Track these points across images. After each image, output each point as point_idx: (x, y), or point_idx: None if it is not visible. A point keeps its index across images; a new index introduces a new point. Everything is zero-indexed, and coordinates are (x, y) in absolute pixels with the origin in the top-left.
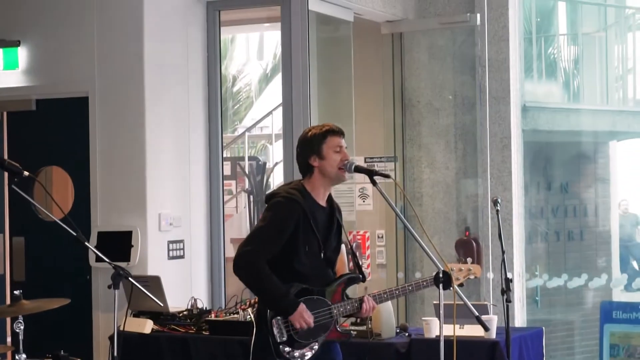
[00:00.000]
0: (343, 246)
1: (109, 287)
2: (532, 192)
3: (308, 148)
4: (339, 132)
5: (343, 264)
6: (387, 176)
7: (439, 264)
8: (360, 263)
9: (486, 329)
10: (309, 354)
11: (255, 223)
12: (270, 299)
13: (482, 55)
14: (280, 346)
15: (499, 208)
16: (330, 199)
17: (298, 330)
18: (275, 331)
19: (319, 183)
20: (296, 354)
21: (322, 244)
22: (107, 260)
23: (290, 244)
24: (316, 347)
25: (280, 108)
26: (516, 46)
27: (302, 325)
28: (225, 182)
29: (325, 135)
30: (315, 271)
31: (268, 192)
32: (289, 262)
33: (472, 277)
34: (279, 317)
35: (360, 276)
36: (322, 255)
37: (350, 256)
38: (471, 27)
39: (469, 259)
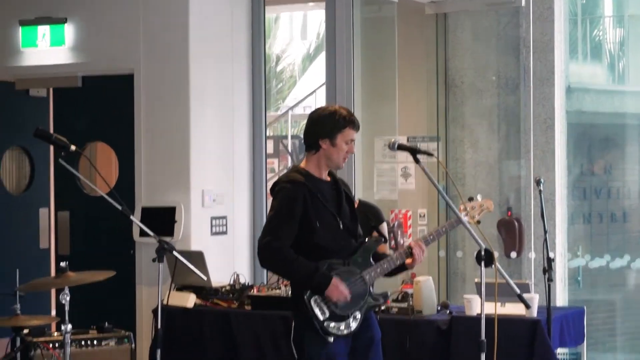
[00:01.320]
0: (384, 224)
1: (154, 260)
2: (575, 173)
3: (323, 129)
4: (357, 127)
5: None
6: (430, 154)
7: (481, 242)
8: (402, 242)
9: (528, 306)
10: (354, 324)
11: None
12: (303, 279)
13: (527, 36)
14: (325, 323)
15: (541, 188)
16: (331, 174)
17: (337, 304)
18: (317, 310)
19: (321, 163)
20: (342, 326)
21: (337, 214)
22: (151, 233)
23: (305, 223)
24: (359, 315)
25: (324, 87)
26: (561, 27)
27: (340, 298)
28: (268, 160)
29: (345, 126)
30: (338, 244)
31: (272, 183)
32: (309, 240)
33: (486, 211)
34: (316, 296)
35: (383, 238)
36: (340, 225)
37: (391, 235)
38: (516, 8)
39: (478, 195)
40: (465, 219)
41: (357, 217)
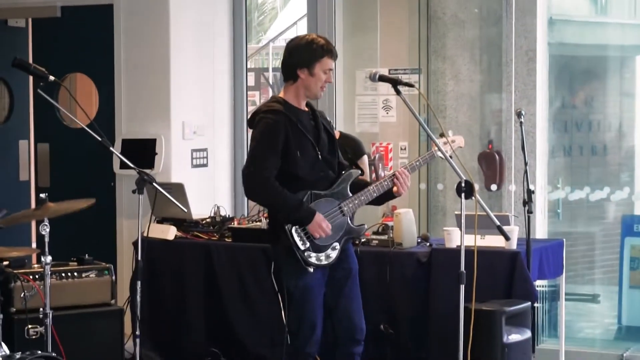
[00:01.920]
0: (365, 157)
1: (134, 192)
2: (557, 105)
3: (301, 58)
4: (335, 56)
5: (366, 175)
6: (411, 85)
7: (462, 175)
8: (383, 174)
9: (507, 238)
10: (333, 254)
11: None
12: (287, 211)
13: None
14: (305, 253)
15: (522, 120)
16: (309, 104)
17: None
18: (297, 240)
19: (300, 92)
20: (322, 257)
21: (316, 143)
22: (131, 165)
23: (285, 152)
24: (338, 246)
25: (305, 19)
26: None
27: (320, 234)
28: (249, 92)
29: (323, 55)
30: (316, 174)
31: (249, 114)
32: (288, 170)
33: (457, 147)
34: (296, 227)
35: (360, 171)
36: (319, 156)
37: (372, 167)
38: None
39: (450, 131)
40: (447, 150)
41: (336, 149)
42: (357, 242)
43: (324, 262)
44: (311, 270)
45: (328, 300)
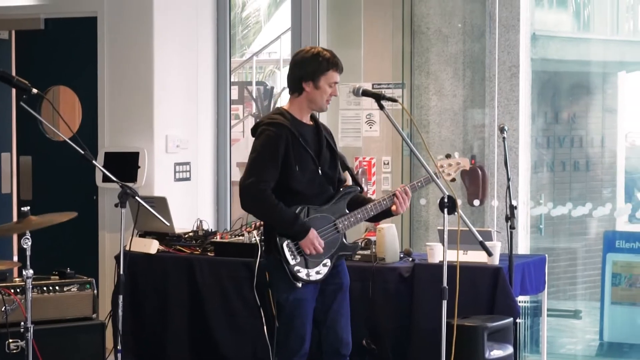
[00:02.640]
0: (347, 172)
1: (116, 205)
2: (540, 121)
3: (306, 71)
4: (341, 69)
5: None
6: (394, 100)
7: (444, 190)
8: (366, 189)
9: (489, 254)
10: (323, 270)
11: None
12: (281, 226)
13: None
14: (295, 268)
15: (505, 135)
16: (314, 117)
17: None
18: (288, 255)
19: (303, 105)
20: (311, 272)
21: (317, 158)
22: (114, 178)
23: (284, 165)
24: (329, 263)
25: (289, 33)
26: None
27: (312, 252)
28: (232, 106)
29: (329, 68)
30: (315, 189)
31: (253, 124)
32: (286, 184)
33: (462, 169)
34: (288, 241)
35: (359, 188)
36: (319, 171)
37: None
38: None
39: (456, 153)
40: (431, 170)
41: (337, 164)
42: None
43: (313, 278)
44: (299, 285)
45: (317, 313)
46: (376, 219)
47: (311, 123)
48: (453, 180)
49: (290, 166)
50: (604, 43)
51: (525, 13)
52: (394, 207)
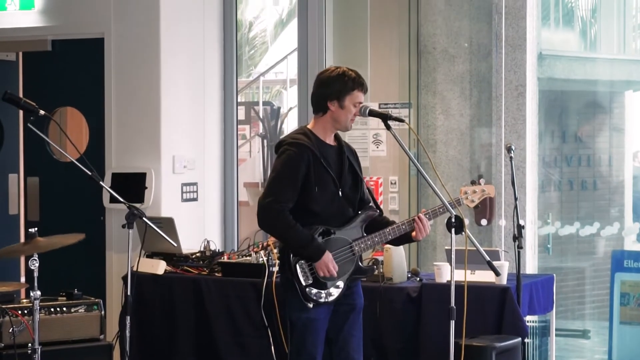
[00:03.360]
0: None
1: (123, 226)
2: (547, 140)
3: (331, 91)
4: (365, 89)
5: None
6: (401, 120)
7: (451, 210)
8: (377, 203)
9: (497, 274)
10: (335, 292)
11: (269, 168)
12: (296, 246)
13: (499, 2)
14: (307, 289)
15: (512, 155)
16: (337, 138)
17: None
18: (300, 275)
19: (328, 125)
20: (322, 294)
21: (338, 180)
22: (121, 199)
23: (304, 186)
24: (342, 285)
25: (296, 53)
26: None
27: (326, 274)
28: (239, 126)
29: (354, 88)
30: (333, 210)
31: (276, 142)
32: (305, 204)
33: (486, 197)
34: (302, 261)
35: (378, 211)
36: (339, 193)
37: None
38: None
39: (482, 180)
40: (435, 187)
41: (359, 185)
42: None
43: (324, 300)
44: (310, 306)
45: (329, 333)
46: (394, 243)
47: (334, 143)
48: (476, 207)
49: (310, 187)
50: (610, 62)
51: (532, 32)
52: (414, 233)
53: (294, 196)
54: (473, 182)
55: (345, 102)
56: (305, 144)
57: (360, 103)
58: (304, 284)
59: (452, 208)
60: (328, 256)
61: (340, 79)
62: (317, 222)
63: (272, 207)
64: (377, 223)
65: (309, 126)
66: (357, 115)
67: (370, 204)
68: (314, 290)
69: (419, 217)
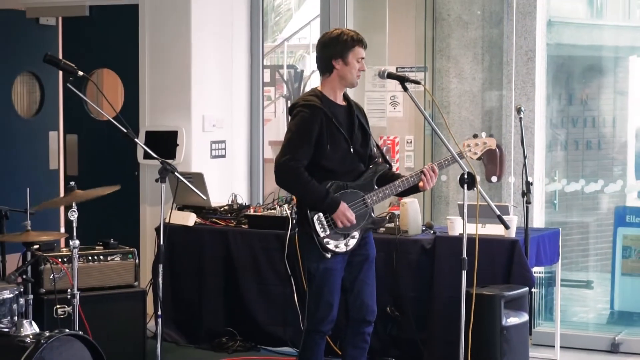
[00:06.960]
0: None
1: (156, 181)
2: (554, 103)
3: (334, 49)
4: (365, 45)
5: None
6: (417, 82)
7: (464, 167)
8: (387, 158)
9: (507, 227)
10: (352, 242)
11: None
12: (313, 201)
13: None
14: (325, 240)
15: (522, 116)
16: (347, 97)
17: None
18: (318, 228)
19: (335, 84)
20: (340, 244)
21: (349, 137)
22: (154, 155)
23: (317, 145)
24: (357, 235)
25: (318, 20)
26: None
27: (345, 223)
28: (265, 88)
29: (354, 45)
30: (346, 167)
31: (290, 105)
32: (319, 162)
33: (487, 149)
34: (319, 214)
35: (387, 165)
36: (351, 150)
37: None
38: None
39: (483, 133)
40: (448, 145)
41: (369, 142)
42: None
43: (341, 250)
44: (328, 256)
45: (345, 282)
46: (403, 194)
47: (344, 103)
48: (479, 159)
49: (323, 145)
50: (615, 29)
51: (542, 0)
52: (421, 184)
53: (308, 154)
54: (475, 136)
55: (349, 58)
56: (317, 105)
57: (362, 58)
58: (321, 235)
59: (459, 160)
60: (344, 206)
61: (341, 38)
62: (331, 177)
63: (289, 165)
64: (387, 177)
65: (318, 88)
66: (362, 71)
67: (378, 159)
68: (332, 241)
69: (426, 169)
